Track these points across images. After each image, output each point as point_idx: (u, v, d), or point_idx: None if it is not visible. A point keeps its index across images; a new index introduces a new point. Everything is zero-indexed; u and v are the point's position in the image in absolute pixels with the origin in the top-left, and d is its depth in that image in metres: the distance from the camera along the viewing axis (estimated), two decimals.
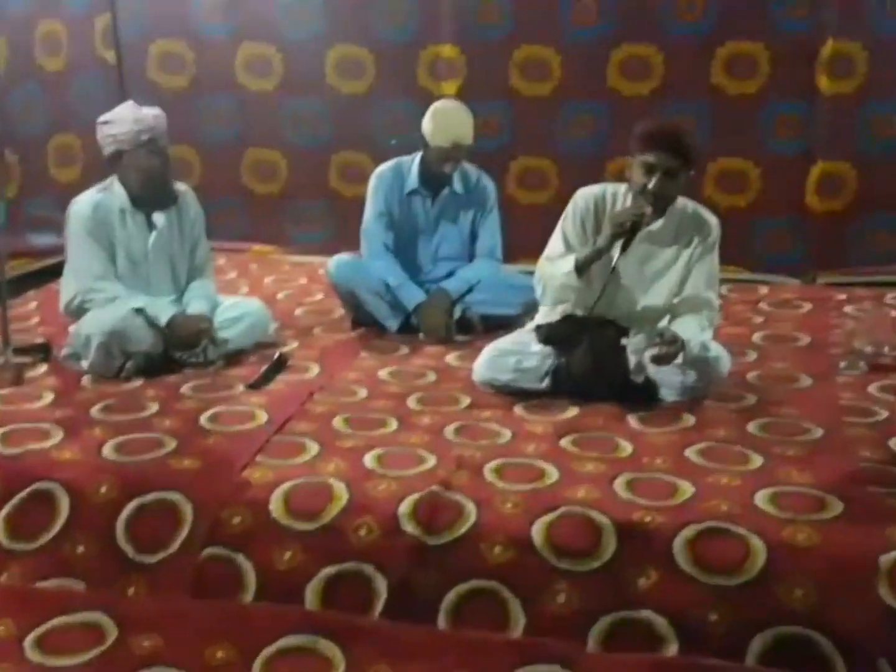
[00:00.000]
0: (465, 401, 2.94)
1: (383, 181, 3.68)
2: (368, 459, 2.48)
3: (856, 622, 1.95)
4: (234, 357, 3.22)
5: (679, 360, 2.81)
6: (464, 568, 2.15)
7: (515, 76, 4.55)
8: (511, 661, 1.98)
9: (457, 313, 3.60)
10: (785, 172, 4.42)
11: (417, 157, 3.67)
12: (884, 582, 1.97)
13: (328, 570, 2.18)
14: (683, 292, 2.97)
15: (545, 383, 2.95)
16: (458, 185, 3.69)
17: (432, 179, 3.65)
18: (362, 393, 3.01)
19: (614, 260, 2.86)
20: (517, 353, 2.99)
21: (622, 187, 2.97)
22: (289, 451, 2.53)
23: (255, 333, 3.34)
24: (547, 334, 3.02)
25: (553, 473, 2.41)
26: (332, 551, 2.20)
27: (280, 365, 3.18)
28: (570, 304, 2.97)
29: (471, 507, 2.24)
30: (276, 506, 2.26)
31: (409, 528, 2.20)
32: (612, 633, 2.04)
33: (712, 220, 3.00)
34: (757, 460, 2.49)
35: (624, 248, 2.85)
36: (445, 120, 3.53)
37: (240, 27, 4.76)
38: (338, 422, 2.75)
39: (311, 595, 2.17)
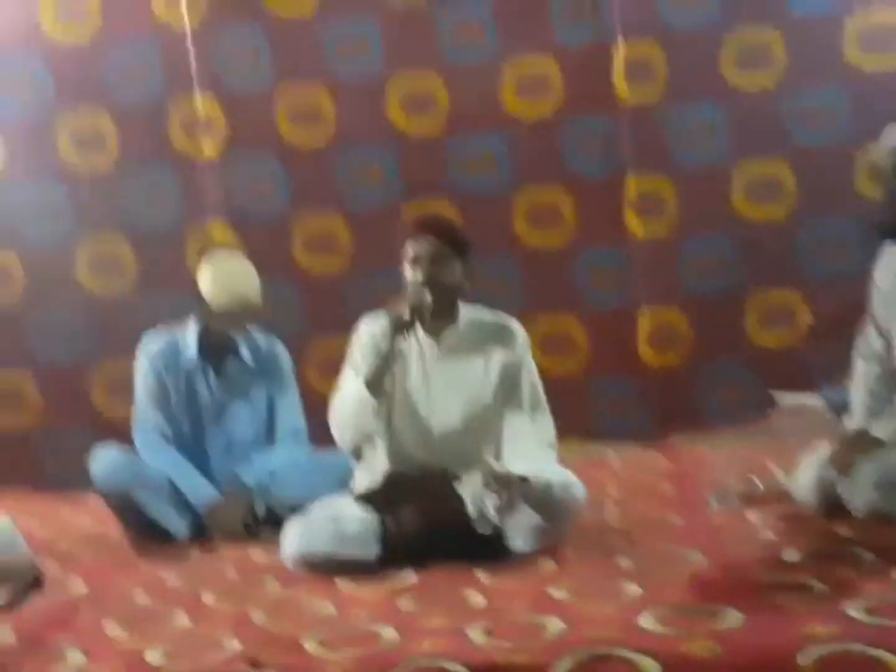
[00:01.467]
0: (276, 584, 2.68)
1: (153, 358, 3.47)
2: (151, 656, 2.17)
3: None
4: None
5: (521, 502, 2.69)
6: None
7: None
8: None
9: (260, 509, 3.36)
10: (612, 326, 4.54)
11: (192, 325, 3.50)
12: None
13: None
14: (508, 414, 2.90)
15: (374, 551, 2.73)
16: (245, 353, 3.51)
17: (215, 348, 3.47)
18: (142, 599, 2.69)
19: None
20: (334, 520, 2.78)
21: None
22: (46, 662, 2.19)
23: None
24: (369, 498, 2.85)
25: (391, 634, 2.16)
26: None
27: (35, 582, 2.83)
28: (375, 435, 2.89)
29: None
30: None
31: None
32: None
33: (514, 324, 3.00)
34: (634, 590, 2.32)
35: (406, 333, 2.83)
36: (228, 279, 3.40)
37: None
38: (109, 627, 2.42)
39: None
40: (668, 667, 1.87)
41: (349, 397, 2.89)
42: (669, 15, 4.40)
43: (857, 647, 1.85)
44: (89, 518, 3.79)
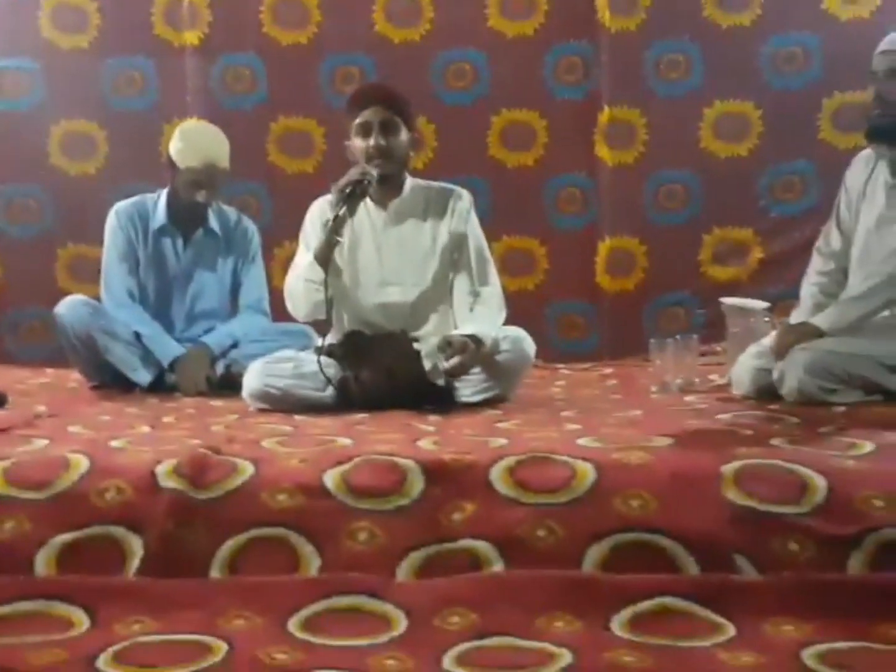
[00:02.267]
0: (234, 415, 2.84)
1: (123, 218, 3.60)
2: (114, 442, 2.33)
3: (703, 524, 1.93)
4: None
5: (477, 369, 2.87)
6: (240, 519, 1.99)
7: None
8: (305, 597, 1.83)
9: (220, 369, 3.49)
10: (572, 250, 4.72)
11: (163, 192, 3.64)
12: (729, 486, 1.99)
13: (63, 538, 1.97)
14: (457, 278, 3.08)
15: (329, 392, 2.89)
16: (214, 224, 3.65)
17: (184, 215, 3.60)
18: (105, 417, 2.84)
19: (340, 211, 2.90)
20: (294, 359, 2.94)
21: None
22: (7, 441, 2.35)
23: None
24: (330, 351, 3.00)
25: (346, 441, 2.33)
26: (69, 518, 1.99)
27: None
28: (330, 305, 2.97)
29: (247, 465, 2.10)
30: None
31: (171, 484, 2.03)
32: (425, 566, 1.93)
33: (459, 190, 3.18)
34: (575, 426, 2.52)
35: (351, 213, 2.94)
36: (197, 138, 3.55)
37: None
38: (74, 428, 2.58)
39: (43, 565, 1.94)
40: (603, 469, 2.05)
41: (300, 271, 3.01)
42: None
43: (777, 462, 2.04)
44: (50, 378, 3.93)
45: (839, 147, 4.44)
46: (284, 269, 3.90)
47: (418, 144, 3.18)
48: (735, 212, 4.63)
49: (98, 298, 3.59)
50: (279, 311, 3.73)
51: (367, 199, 3.06)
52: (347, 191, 2.89)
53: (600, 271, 4.71)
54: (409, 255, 3.09)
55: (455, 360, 2.82)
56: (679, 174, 4.65)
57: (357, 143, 3.02)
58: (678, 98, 4.58)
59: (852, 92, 4.38)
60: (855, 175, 3.18)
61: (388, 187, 3.07)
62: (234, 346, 3.56)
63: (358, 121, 3.01)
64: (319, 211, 3.12)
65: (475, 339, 2.86)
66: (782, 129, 4.56)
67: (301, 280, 2.98)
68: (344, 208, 2.89)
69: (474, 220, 3.15)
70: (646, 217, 4.69)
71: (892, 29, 4.17)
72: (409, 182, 3.15)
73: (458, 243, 3.10)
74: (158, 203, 3.61)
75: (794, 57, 4.53)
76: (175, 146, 3.53)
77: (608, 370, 4.05)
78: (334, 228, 2.90)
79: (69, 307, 3.45)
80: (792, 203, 4.57)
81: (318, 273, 2.91)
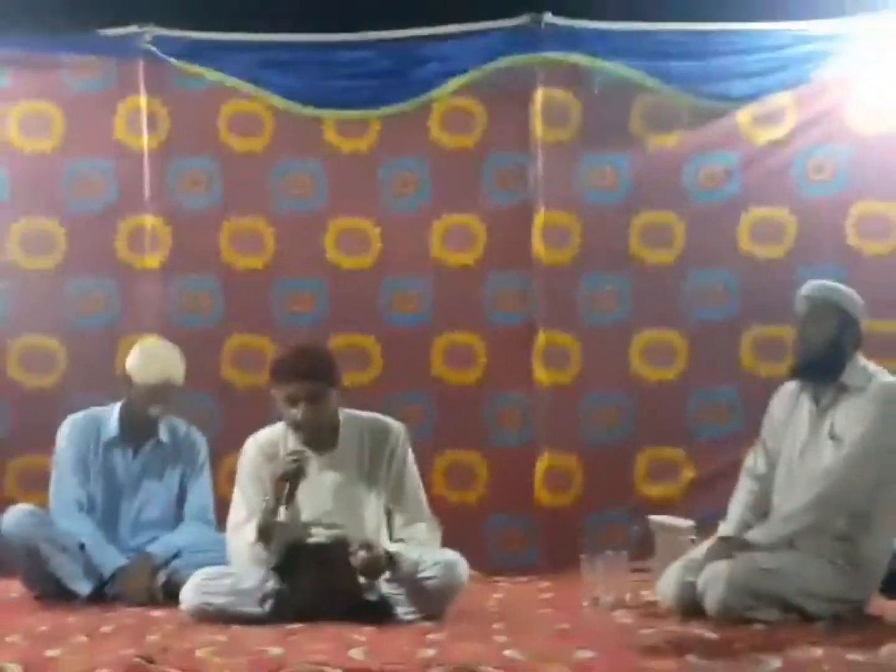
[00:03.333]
0: (172, 626, 2.86)
1: (76, 429, 3.71)
2: (51, 652, 2.37)
3: None
4: None
5: (386, 574, 2.97)
6: None
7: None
8: None
9: (161, 578, 3.51)
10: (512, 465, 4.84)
11: (117, 406, 3.75)
12: None
13: None
14: (394, 510, 3.16)
15: (266, 606, 2.93)
16: (164, 435, 3.76)
17: (136, 427, 3.71)
18: (41, 628, 2.85)
19: (282, 514, 2.99)
20: (232, 575, 2.99)
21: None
22: None
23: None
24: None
25: (278, 651, 2.38)
26: None
27: None
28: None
29: None
30: None
31: None
32: None
33: (395, 423, 3.25)
34: (506, 640, 2.59)
35: (289, 499, 3.00)
36: (156, 354, 3.70)
37: None
38: (12, 638, 2.61)
39: None
40: None
41: (244, 546, 3.06)
42: (590, 195, 4.90)
43: None
44: None
45: (761, 374, 4.70)
46: (231, 480, 4.01)
47: (344, 390, 3.27)
48: (666, 432, 4.83)
49: (44, 506, 3.64)
50: (223, 520, 3.81)
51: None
52: (288, 476, 2.99)
53: (538, 486, 4.84)
54: (344, 501, 3.14)
55: (363, 556, 2.88)
56: (613, 394, 4.85)
57: (284, 411, 3.09)
58: (608, 325, 4.84)
59: (769, 325, 4.68)
60: (779, 404, 3.40)
61: (323, 438, 3.15)
62: (177, 555, 3.60)
63: (283, 394, 3.07)
64: (252, 461, 3.18)
65: (391, 558, 2.94)
66: (707, 357, 4.82)
67: (245, 558, 3.05)
68: (283, 507, 2.97)
69: (410, 457, 3.24)
70: (582, 435, 4.86)
71: (803, 268, 4.60)
72: (342, 420, 3.20)
73: (396, 485, 3.18)
74: (111, 415, 3.73)
75: (715, 291, 4.84)
76: (133, 362, 3.68)
77: (545, 583, 4.11)
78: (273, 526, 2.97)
79: (14, 517, 3.51)
80: (720, 426, 4.77)
81: (262, 552, 3.00)
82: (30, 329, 4.79)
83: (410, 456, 3.25)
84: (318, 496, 3.13)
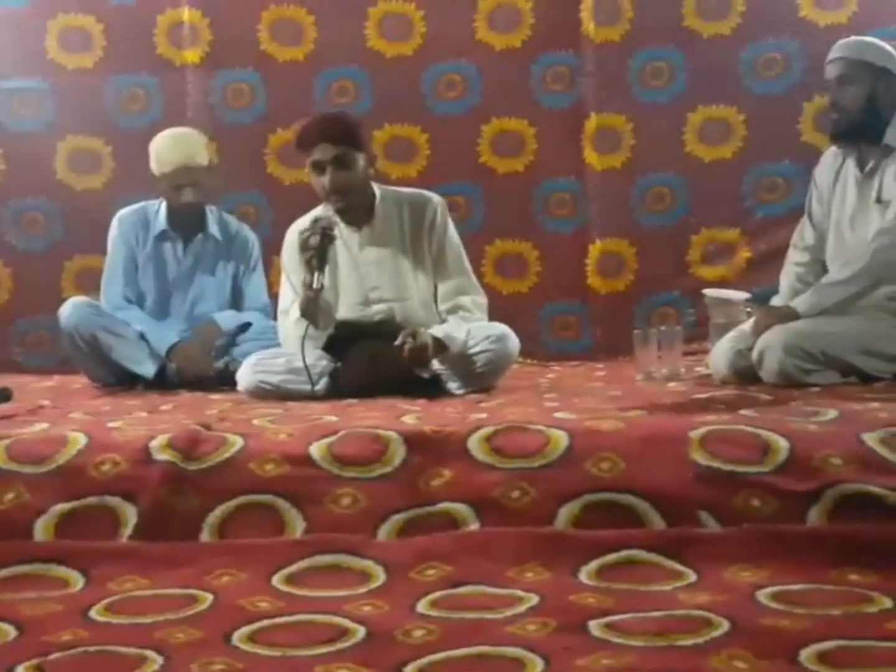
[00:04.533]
0: (229, 404, 2.92)
1: (125, 224, 3.69)
2: (111, 423, 2.41)
3: (669, 483, 2.01)
4: None
5: (436, 363, 2.95)
6: (230, 487, 2.08)
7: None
8: (289, 556, 1.91)
9: (219, 365, 3.53)
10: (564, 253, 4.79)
11: (163, 202, 3.71)
12: (696, 448, 2.06)
13: (61, 507, 2.05)
14: (438, 283, 3.13)
15: (320, 385, 2.96)
16: (214, 229, 3.73)
17: (182, 220, 3.68)
18: (104, 407, 2.92)
19: (315, 282, 2.91)
20: (286, 355, 3.02)
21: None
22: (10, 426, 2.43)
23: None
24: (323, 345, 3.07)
25: (332, 418, 2.41)
26: (67, 489, 2.08)
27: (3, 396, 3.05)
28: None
29: (237, 438, 2.18)
30: None
31: (163, 456, 2.12)
32: (405, 527, 2.01)
33: (433, 195, 3.19)
34: (554, 404, 2.62)
35: (320, 265, 2.92)
36: (163, 145, 3.62)
37: None
38: (75, 415, 2.67)
39: (41, 532, 2.02)
40: (576, 435, 2.12)
41: (291, 326, 3.05)
42: None
43: (741, 426, 2.11)
44: (55, 382, 4.00)
45: (822, 148, 4.47)
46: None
47: (374, 159, 3.18)
48: (722, 213, 4.72)
49: None
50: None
51: (340, 224, 3.08)
52: (316, 251, 2.89)
53: (592, 273, 4.79)
54: (388, 274, 3.12)
55: (409, 347, 2.86)
56: (666, 177, 4.73)
57: (314, 180, 3.03)
58: (662, 104, 4.68)
59: None
60: (823, 171, 3.28)
61: (356, 212, 3.10)
62: (237, 334, 3.61)
63: (310, 159, 3.00)
64: (293, 246, 3.11)
65: (439, 342, 2.92)
66: (765, 133, 4.65)
67: (293, 338, 3.03)
68: (317, 274, 2.89)
69: (451, 227, 3.19)
70: (634, 220, 4.77)
71: (870, 33, 4.36)
72: (379, 196, 3.15)
73: (438, 256, 3.14)
74: (160, 210, 3.71)
75: (774, 62, 4.63)
76: (151, 157, 3.63)
77: (599, 365, 4.11)
78: (315, 294, 2.91)
79: (72, 308, 3.53)
80: (777, 203, 4.63)
81: (306, 328, 2.94)
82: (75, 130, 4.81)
83: (451, 227, 3.19)
84: (362, 272, 3.12)
